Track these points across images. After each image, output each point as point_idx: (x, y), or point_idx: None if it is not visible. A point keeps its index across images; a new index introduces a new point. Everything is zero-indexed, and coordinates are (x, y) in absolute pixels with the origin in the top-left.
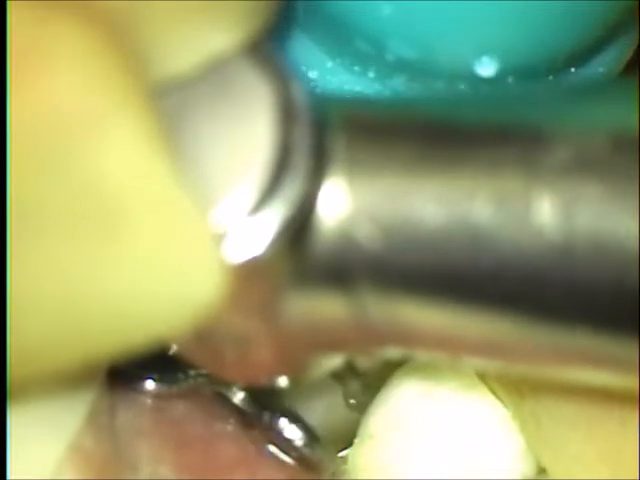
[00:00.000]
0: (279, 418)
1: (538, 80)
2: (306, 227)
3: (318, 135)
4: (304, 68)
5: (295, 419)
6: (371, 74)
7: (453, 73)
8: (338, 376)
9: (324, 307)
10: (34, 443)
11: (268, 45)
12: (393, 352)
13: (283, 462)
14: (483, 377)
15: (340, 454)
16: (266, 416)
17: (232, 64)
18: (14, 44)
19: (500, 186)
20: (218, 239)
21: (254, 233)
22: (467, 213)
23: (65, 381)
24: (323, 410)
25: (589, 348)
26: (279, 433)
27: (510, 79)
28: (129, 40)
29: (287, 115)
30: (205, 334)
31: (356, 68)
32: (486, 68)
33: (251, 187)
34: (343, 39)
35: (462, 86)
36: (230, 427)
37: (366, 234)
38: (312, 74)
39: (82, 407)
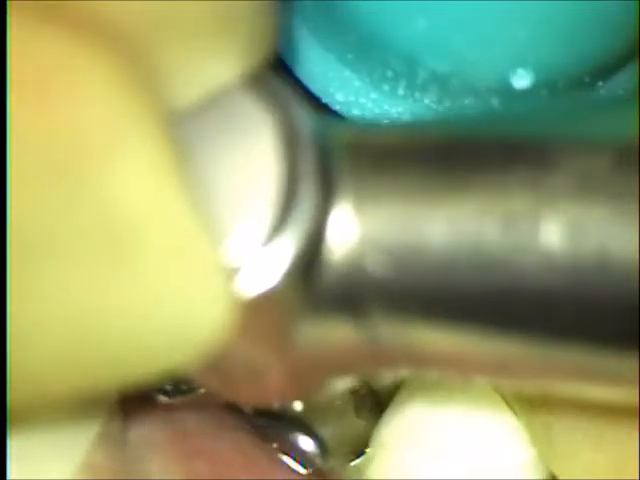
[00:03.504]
0: (291, 429)
1: (569, 92)
2: (316, 256)
3: (323, 163)
4: (331, 90)
5: (307, 429)
6: (401, 92)
7: (486, 87)
8: (350, 387)
9: (335, 333)
10: (44, 460)
11: (268, 74)
12: (405, 373)
13: (295, 472)
14: (494, 388)
15: (352, 464)
16: (278, 427)
17: (233, 95)
18: (36, 70)
19: (508, 209)
20: (230, 272)
21: (267, 266)
22: (475, 237)
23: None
24: (335, 420)
25: (598, 366)
26: (291, 443)
27: (543, 92)
28: (147, 70)
29: (291, 144)
30: (216, 362)
31: (385, 87)
32: (521, 81)
33: (261, 219)
34: (374, 57)
35: (494, 100)
36: (241, 438)
37: (375, 261)
38: (339, 95)
39: (94, 423)
